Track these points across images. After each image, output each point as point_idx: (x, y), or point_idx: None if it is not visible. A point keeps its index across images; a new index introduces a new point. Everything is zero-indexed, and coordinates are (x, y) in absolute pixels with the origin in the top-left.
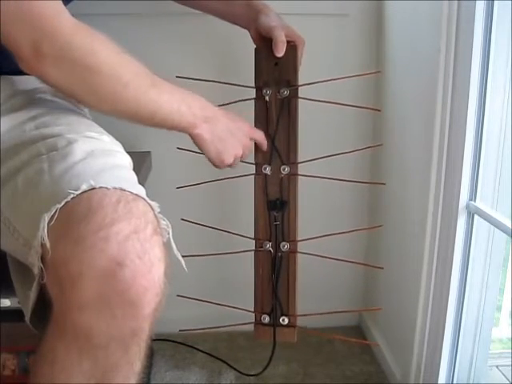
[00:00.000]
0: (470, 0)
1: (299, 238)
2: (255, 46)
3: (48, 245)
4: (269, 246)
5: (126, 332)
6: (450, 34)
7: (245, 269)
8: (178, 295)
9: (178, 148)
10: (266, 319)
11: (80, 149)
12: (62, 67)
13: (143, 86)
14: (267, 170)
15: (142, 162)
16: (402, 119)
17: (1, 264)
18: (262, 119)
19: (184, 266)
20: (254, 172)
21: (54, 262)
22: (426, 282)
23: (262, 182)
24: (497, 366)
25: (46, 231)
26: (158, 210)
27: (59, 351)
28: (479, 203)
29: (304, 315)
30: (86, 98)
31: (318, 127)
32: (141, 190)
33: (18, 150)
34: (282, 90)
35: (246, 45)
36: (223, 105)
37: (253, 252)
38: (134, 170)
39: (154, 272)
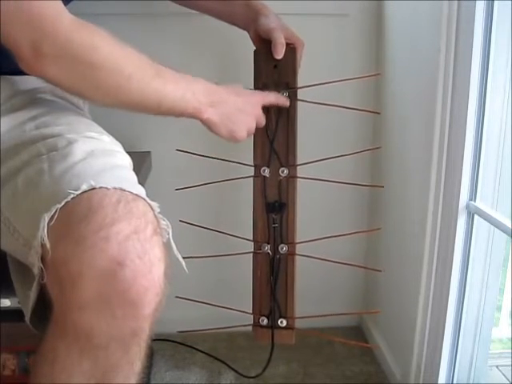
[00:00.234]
0: (470, 0)
1: (298, 240)
2: (254, 48)
3: (48, 245)
4: (267, 248)
5: (127, 332)
6: (449, 34)
7: (243, 271)
8: (177, 296)
9: (178, 150)
10: (265, 321)
11: (80, 149)
12: (64, 65)
13: (147, 76)
14: (266, 172)
15: (141, 162)
16: (402, 119)
17: (1, 264)
18: None
19: (184, 267)
20: (253, 174)
21: (54, 262)
22: (426, 282)
23: (261, 184)
24: (497, 366)
25: (46, 231)
26: (158, 210)
27: (59, 351)
28: (479, 203)
29: (302, 317)
30: (89, 93)
31: (317, 129)
32: (141, 190)
33: (18, 149)
34: (281, 92)
35: (245, 46)
36: None
37: (251, 254)
38: (134, 170)
39: (155, 272)
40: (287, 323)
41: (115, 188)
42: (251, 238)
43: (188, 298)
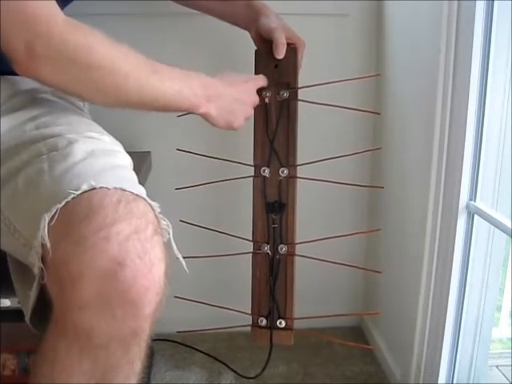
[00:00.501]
0: (470, 0)
1: (297, 241)
2: (255, 48)
3: (48, 245)
4: (267, 248)
5: (127, 332)
6: (449, 34)
7: (243, 271)
8: (176, 296)
9: (178, 149)
10: (263, 322)
11: (80, 149)
12: (58, 67)
13: (143, 74)
14: (266, 172)
15: (141, 162)
16: (402, 119)
17: (1, 264)
18: (262, 121)
19: (185, 267)
20: (253, 174)
21: (54, 262)
22: (426, 282)
23: (261, 184)
24: (497, 366)
25: (46, 231)
26: (158, 210)
27: (60, 351)
28: (479, 203)
29: (301, 318)
30: (86, 94)
31: (318, 129)
32: (141, 190)
33: (18, 150)
34: (281, 92)
35: (245, 46)
36: None
37: (251, 254)
38: (134, 170)
39: (155, 272)
40: (286, 324)
41: (116, 188)
42: (251, 238)
43: (187, 298)
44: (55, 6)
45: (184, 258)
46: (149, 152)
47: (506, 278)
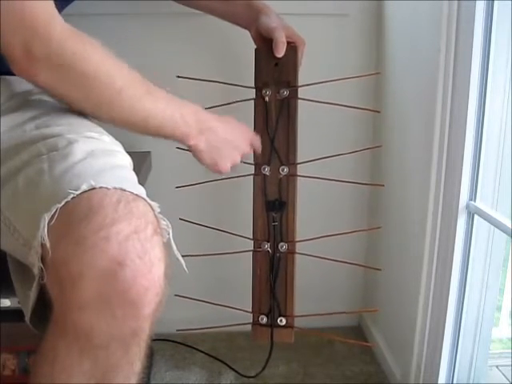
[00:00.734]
0: (470, 0)
1: (298, 239)
2: (255, 47)
3: (48, 245)
4: (267, 246)
5: (127, 332)
6: (449, 34)
7: (243, 269)
8: (176, 295)
9: (178, 148)
10: (264, 320)
11: (80, 149)
12: (55, 71)
13: (138, 92)
14: (266, 171)
15: (142, 162)
16: (402, 119)
17: (1, 264)
18: (262, 119)
19: (184, 267)
20: (253, 172)
21: (54, 262)
22: (425, 281)
23: (261, 183)
24: (497, 366)
25: (46, 231)
26: (158, 210)
27: (60, 351)
28: (479, 203)
29: (302, 316)
30: (79, 103)
31: (318, 128)
32: (141, 191)
33: (18, 149)
34: (281, 91)
35: (246, 45)
36: (223, 105)
37: (251, 252)
38: (134, 170)
39: (155, 272)
40: (286, 322)
41: (115, 188)
42: (251, 237)
43: (187, 296)
44: (54, 9)
45: (184, 256)
46: (149, 152)
47: (506, 278)
